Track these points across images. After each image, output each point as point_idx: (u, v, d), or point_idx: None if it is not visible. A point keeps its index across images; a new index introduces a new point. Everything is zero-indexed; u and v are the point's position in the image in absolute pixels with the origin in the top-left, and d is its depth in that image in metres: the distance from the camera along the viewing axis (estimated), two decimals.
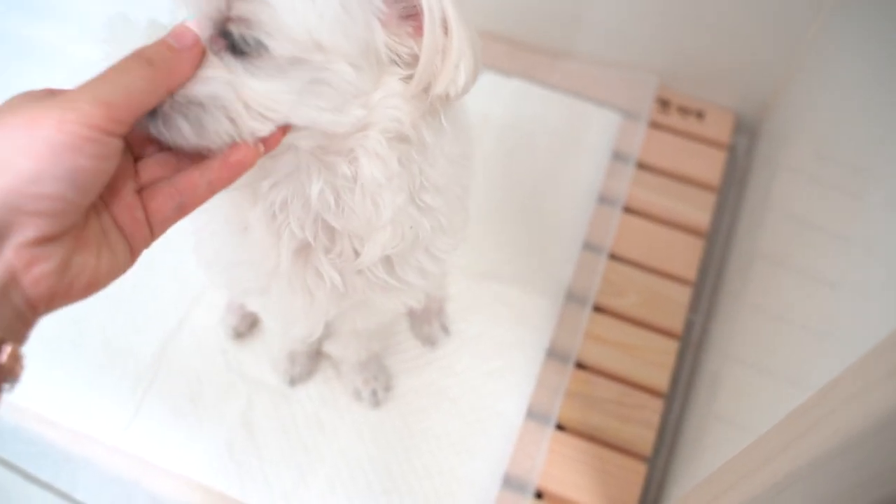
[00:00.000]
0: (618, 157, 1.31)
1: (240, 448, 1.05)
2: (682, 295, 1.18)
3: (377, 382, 1.07)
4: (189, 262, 1.16)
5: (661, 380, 1.10)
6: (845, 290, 0.77)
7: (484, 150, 1.27)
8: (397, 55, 0.54)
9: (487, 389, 1.09)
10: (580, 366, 1.12)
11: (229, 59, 0.50)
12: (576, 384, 1.10)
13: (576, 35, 1.38)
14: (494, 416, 1.07)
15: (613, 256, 1.21)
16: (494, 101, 1.34)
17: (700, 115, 1.35)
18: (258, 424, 1.07)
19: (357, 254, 0.65)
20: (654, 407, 1.08)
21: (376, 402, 1.07)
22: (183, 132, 0.49)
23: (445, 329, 1.13)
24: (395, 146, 0.58)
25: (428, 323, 1.12)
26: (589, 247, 1.21)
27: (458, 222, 0.74)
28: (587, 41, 1.39)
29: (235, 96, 0.50)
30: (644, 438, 1.06)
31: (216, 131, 0.50)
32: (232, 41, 0.49)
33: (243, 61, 0.49)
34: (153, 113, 0.48)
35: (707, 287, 1.22)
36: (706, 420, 1.02)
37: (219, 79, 0.49)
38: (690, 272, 1.20)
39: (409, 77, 0.55)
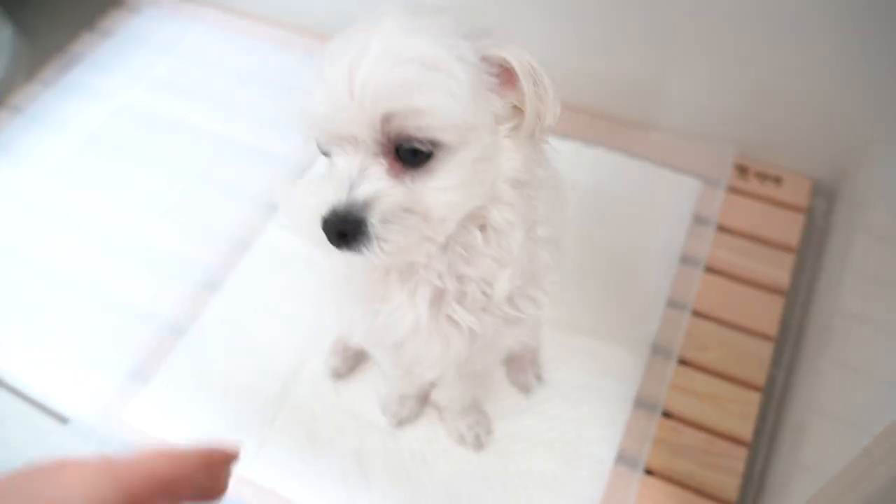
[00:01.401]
0: (699, 220, 1.40)
1: (352, 480, 1.16)
2: (764, 349, 1.24)
3: (479, 427, 1.16)
4: (304, 310, 1.32)
5: (745, 429, 1.16)
6: None
7: (571, 213, 1.38)
8: (499, 114, 0.65)
9: (579, 434, 1.18)
10: (666, 414, 1.19)
11: (404, 175, 0.61)
12: (663, 432, 1.17)
13: (657, 107, 1.50)
14: (586, 459, 1.16)
15: (696, 313, 1.29)
16: (579, 168, 1.47)
17: (778, 180, 1.44)
18: (368, 460, 1.17)
19: (486, 295, 0.74)
20: (739, 455, 1.14)
21: (479, 445, 1.16)
22: (384, 249, 0.60)
23: (539, 377, 1.22)
24: (517, 190, 0.69)
25: (523, 371, 1.21)
26: (673, 303, 1.30)
27: (559, 255, 0.82)
28: (668, 113, 1.50)
29: (423, 204, 0.61)
30: (729, 485, 1.12)
31: (415, 241, 0.62)
32: (403, 156, 0.60)
33: (417, 170, 0.61)
34: (343, 235, 0.60)
35: (788, 342, 1.28)
36: (791, 468, 1.07)
37: (403, 194, 0.61)
38: (771, 328, 1.26)
39: (511, 128, 0.66)
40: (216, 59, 1.77)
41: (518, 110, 0.66)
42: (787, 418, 1.18)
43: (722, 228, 1.38)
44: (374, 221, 0.60)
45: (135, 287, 1.40)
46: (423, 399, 1.20)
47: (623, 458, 1.15)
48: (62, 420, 1.26)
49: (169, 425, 1.23)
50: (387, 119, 0.59)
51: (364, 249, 0.61)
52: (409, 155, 0.61)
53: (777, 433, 1.18)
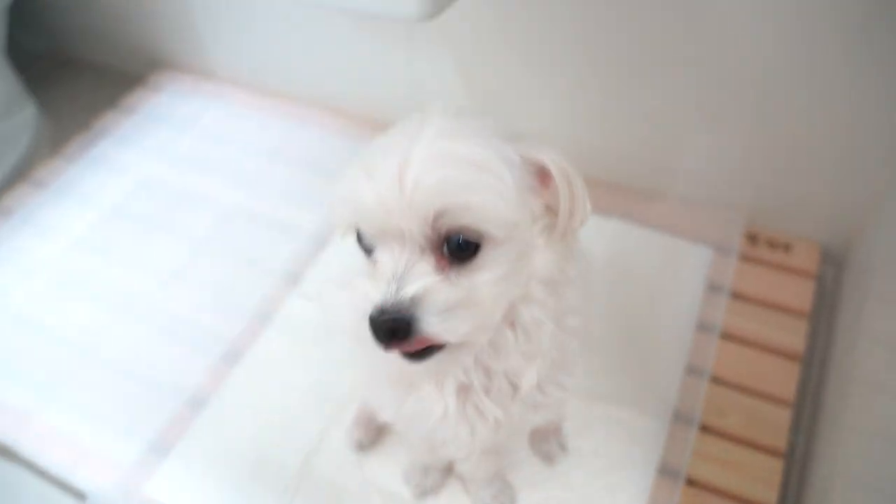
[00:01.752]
0: (712, 287, 1.42)
1: None
2: (783, 415, 1.25)
3: (504, 497, 1.16)
4: (326, 381, 1.33)
5: (769, 496, 1.16)
6: None
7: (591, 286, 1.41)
8: (534, 213, 0.69)
9: (604, 503, 1.18)
10: (690, 482, 1.19)
11: (450, 271, 0.63)
12: (687, 499, 1.17)
13: (666, 177, 1.54)
14: None
15: (715, 379, 1.30)
16: (595, 239, 1.50)
17: (787, 247, 1.47)
18: None
19: (513, 386, 0.76)
20: None
21: None
22: (445, 337, 0.61)
23: (563, 447, 1.22)
24: (548, 288, 0.72)
25: (546, 441, 1.22)
26: (691, 370, 1.31)
27: (587, 338, 0.84)
28: (677, 182, 1.54)
29: (471, 298, 0.63)
30: None
31: (470, 332, 0.63)
32: (450, 250, 0.63)
33: (463, 265, 0.63)
34: (393, 333, 0.60)
35: (807, 408, 1.29)
36: None
37: (452, 289, 0.62)
38: (789, 393, 1.27)
39: (543, 227, 0.69)
40: (236, 134, 1.83)
41: (550, 211, 0.69)
42: (811, 484, 1.18)
43: (735, 295, 1.41)
44: (425, 317, 0.60)
45: (155, 358, 1.41)
46: (448, 470, 1.20)
47: None
48: (80, 496, 1.25)
49: (189, 499, 1.23)
50: (439, 215, 0.61)
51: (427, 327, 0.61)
52: (457, 250, 0.63)
53: (801, 500, 1.18)
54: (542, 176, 0.69)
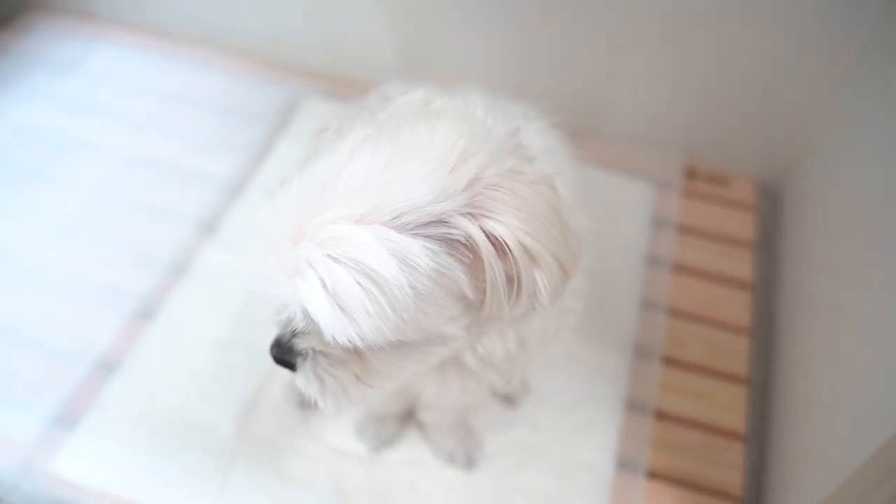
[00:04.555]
0: (658, 222, 1.39)
1: None
2: (741, 343, 1.23)
3: (470, 443, 1.07)
4: (255, 335, 1.19)
5: (738, 423, 1.14)
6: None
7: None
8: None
9: (574, 442, 1.11)
10: (659, 415, 1.14)
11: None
12: (658, 433, 1.12)
13: (608, 115, 1.50)
14: (585, 468, 1.08)
15: (672, 312, 1.27)
16: None
17: (724, 181, 1.46)
18: (350, 492, 1.05)
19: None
20: (737, 449, 1.11)
21: (471, 463, 1.07)
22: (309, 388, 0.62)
23: (526, 387, 1.15)
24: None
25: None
26: (646, 304, 1.27)
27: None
28: (618, 120, 1.50)
29: (364, 366, 0.61)
30: (733, 480, 1.08)
31: (338, 394, 0.62)
32: None
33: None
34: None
35: (762, 334, 1.28)
36: (791, 459, 1.05)
37: (345, 353, 0.60)
38: (744, 321, 1.26)
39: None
40: (129, 78, 1.63)
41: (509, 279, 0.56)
42: (776, 408, 1.16)
43: (681, 229, 1.38)
44: (302, 364, 0.62)
45: (52, 322, 1.21)
46: (405, 418, 1.10)
47: (624, 464, 1.09)
48: None
49: (107, 475, 1.05)
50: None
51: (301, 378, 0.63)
52: None
53: (769, 424, 1.16)
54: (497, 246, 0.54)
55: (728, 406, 1.16)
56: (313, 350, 0.61)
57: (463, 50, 1.52)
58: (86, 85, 1.61)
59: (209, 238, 1.33)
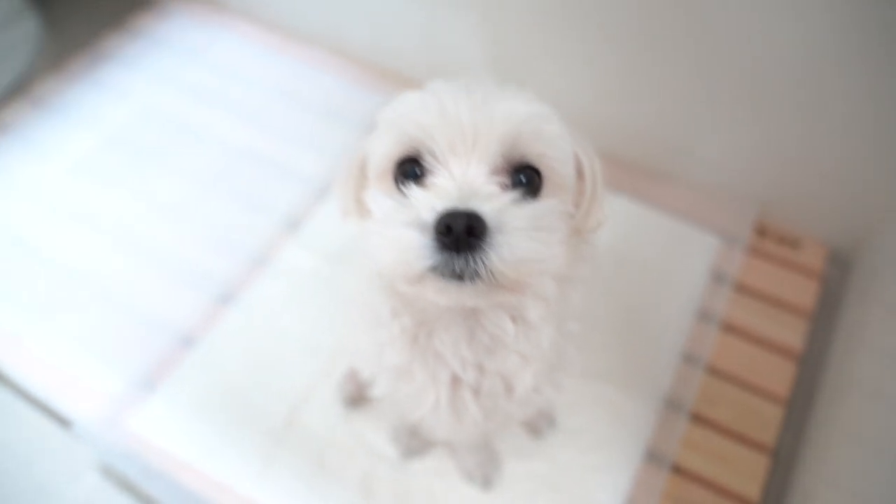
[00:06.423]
0: (716, 277, 1.41)
1: None
2: (775, 412, 1.25)
3: (489, 465, 1.16)
4: (320, 333, 1.31)
5: (753, 490, 1.17)
6: None
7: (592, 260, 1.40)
8: None
9: (588, 481, 1.18)
10: (675, 469, 1.19)
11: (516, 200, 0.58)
12: (670, 486, 1.17)
13: (684, 161, 1.52)
14: None
15: (710, 369, 1.30)
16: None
17: (795, 244, 1.46)
18: (375, 489, 1.17)
19: (508, 386, 0.75)
20: None
21: (487, 483, 1.16)
22: (525, 259, 0.56)
23: (551, 422, 1.22)
24: (557, 286, 0.69)
25: (536, 415, 1.21)
26: (687, 358, 1.31)
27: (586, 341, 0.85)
28: (693, 167, 1.52)
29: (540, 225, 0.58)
30: None
31: (548, 259, 0.58)
32: (515, 183, 0.61)
33: (524, 200, 0.59)
34: (464, 239, 0.54)
35: (799, 407, 1.29)
36: None
37: (520, 214, 0.57)
38: (783, 391, 1.27)
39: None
40: (245, 71, 1.77)
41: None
42: (795, 483, 1.18)
43: (739, 287, 1.40)
44: (507, 234, 0.55)
45: (148, 292, 1.39)
46: None
47: None
48: (65, 423, 1.24)
49: (172, 437, 1.21)
50: (514, 139, 0.59)
51: (479, 265, 0.55)
52: (522, 183, 0.61)
53: (784, 497, 1.19)
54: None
55: (747, 473, 1.19)
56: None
57: (552, 78, 1.56)
58: (207, 73, 1.77)
59: (292, 235, 1.47)
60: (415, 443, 1.18)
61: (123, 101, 1.70)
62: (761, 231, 1.48)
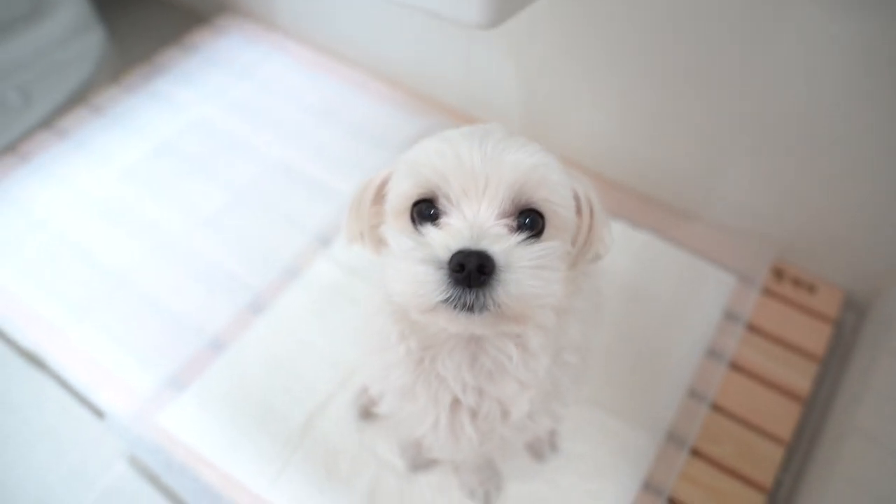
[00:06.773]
0: (729, 316, 1.44)
1: None
2: (775, 452, 1.28)
3: (490, 484, 1.21)
4: (340, 347, 1.38)
5: None
6: None
7: (606, 291, 1.44)
8: None
9: None
10: (671, 501, 1.23)
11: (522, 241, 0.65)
12: None
13: (706, 200, 1.55)
14: None
15: (714, 407, 1.33)
16: (623, 248, 1.52)
17: (811, 288, 1.48)
18: (381, 500, 1.23)
19: (504, 413, 0.80)
20: None
21: (489, 502, 1.21)
22: (530, 295, 0.62)
23: (554, 447, 1.27)
24: (556, 317, 0.75)
25: (539, 439, 1.26)
26: (692, 394, 1.34)
27: (584, 373, 0.89)
28: (713, 205, 1.55)
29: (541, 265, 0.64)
30: None
31: (551, 294, 0.64)
32: (520, 225, 0.67)
33: (528, 241, 0.65)
34: (475, 275, 0.60)
35: (800, 449, 1.31)
36: None
37: (525, 254, 0.63)
38: (785, 433, 1.30)
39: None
40: (290, 89, 1.87)
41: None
42: None
43: (751, 327, 1.43)
44: (513, 271, 0.62)
45: (184, 296, 1.48)
46: None
47: None
48: (99, 414, 1.33)
49: (196, 435, 1.29)
50: (520, 186, 0.66)
51: (488, 299, 0.61)
52: (527, 225, 0.67)
53: None
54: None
55: None
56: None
57: (582, 115, 1.62)
58: (255, 90, 1.87)
59: (323, 251, 1.54)
60: (421, 458, 1.24)
61: (175, 113, 1.81)
62: (778, 273, 1.50)
